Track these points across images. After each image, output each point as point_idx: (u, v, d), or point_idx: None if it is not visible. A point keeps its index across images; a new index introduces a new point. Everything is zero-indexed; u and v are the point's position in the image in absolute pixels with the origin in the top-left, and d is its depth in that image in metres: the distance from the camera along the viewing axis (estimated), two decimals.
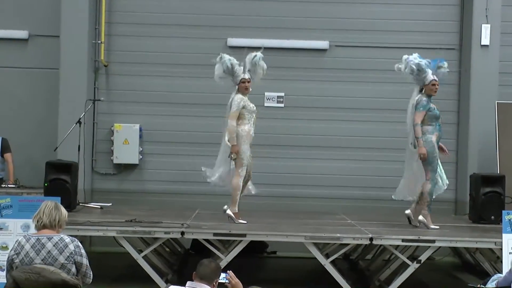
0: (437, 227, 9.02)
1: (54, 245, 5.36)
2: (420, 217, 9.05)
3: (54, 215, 5.46)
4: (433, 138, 8.97)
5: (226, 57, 9.07)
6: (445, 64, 9.17)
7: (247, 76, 9.06)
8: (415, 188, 9.07)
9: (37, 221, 5.48)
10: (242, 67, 9.05)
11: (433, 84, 9.00)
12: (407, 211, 9.20)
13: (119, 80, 11.96)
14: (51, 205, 5.52)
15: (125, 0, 11.99)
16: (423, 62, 9.00)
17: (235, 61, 9.06)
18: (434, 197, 9.07)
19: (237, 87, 9.08)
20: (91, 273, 5.57)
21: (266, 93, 11.88)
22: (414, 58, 9.04)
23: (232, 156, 8.93)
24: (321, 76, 11.98)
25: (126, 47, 11.94)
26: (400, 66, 9.14)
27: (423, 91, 9.06)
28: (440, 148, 9.17)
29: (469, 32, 11.69)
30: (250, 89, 9.11)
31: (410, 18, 12.00)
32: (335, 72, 11.98)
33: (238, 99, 8.99)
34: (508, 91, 11.71)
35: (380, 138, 11.75)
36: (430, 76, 8.98)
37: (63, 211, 5.57)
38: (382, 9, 12.01)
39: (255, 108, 9.13)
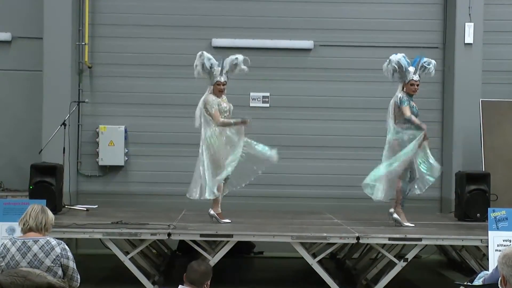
0: (412, 225, 9.06)
1: (40, 248, 5.32)
2: (395, 215, 9.09)
3: (40, 218, 5.43)
4: (405, 137, 9.04)
5: (206, 56, 9.05)
6: (430, 64, 9.17)
7: (223, 79, 9.03)
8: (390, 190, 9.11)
9: (23, 224, 5.44)
10: (220, 68, 9.03)
11: (412, 84, 9.07)
12: (395, 215, 9.18)
13: (103, 81, 11.91)
14: (37, 209, 5.49)
15: (109, 1, 11.94)
16: (404, 61, 9.06)
17: (214, 61, 9.04)
18: (407, 194, 9.13)
19: (211, 87, 9.07)
20: (79, 276, 5.54)
21: (251, 93, 11.90)
22: (397, 56, 9.11)
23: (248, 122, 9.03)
24: (306, 76, 12.00)
25: (110, 49, 11.90)
26: (384, 65, 9.21)
27: (404, 89, 9.13)
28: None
29: (452, 31, 11.76)
30: (224, 92, 9.10)
31: (394, 17, 12.05)
32: (320, 71, 12.00)
33: (212, 99, 8.97)
34: (492, 89, 11.79)
35: (366, 137, 11.78)
36: (411, 75, 9.04)
37: (50, 214, 5.54)
38: (366, 8, 12.05)
39: (227, 108, 9.08)
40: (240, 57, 9.14)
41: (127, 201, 11.62)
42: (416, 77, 9.06)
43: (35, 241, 5.34)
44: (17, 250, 5.32)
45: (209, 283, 5.10)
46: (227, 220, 9.04)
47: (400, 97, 9.06)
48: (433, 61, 9.22)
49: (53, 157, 10.18)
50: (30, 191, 9.37)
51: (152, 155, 11.83)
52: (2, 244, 5.46)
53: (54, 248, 5.35)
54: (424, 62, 9.12)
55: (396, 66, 9.07)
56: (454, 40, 11.69)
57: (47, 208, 5.57)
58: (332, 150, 11.92)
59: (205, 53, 9.10)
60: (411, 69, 9.06)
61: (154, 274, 9.02)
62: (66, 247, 5.44)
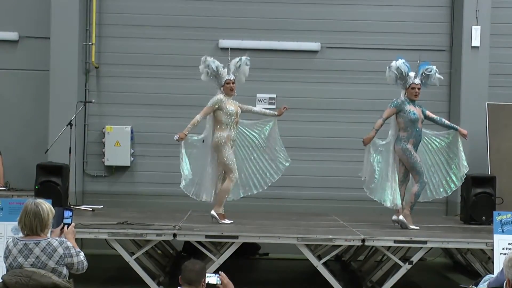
0: (417, 227, 9.04)
1: (42, 251, 5.25)
2: (401, 217, 9.07)
3: (34, 224, 5.26)
4: (409, 145, 9.06)
5: (210, 59, 9.07)
6: (432, 71, 9.16)
7: (232, 77, 9.05)
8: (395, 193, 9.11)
9: (21, 228, 5.38)
10: (226, 69, 9.05)
11: (412, 88, 9.07)
12: (400, 217, 9.15)
13: (110, 82, 11.93)
14: (30, 213, 5.29)
15: (116, 2, 11.96)
16: (404, 67, 9.04)
17: (219, 63, 9.07)
18: (419, 199, 9.13)
19: (222, 89, 9.08)
20: (84, 265, 5.37)
21: (258, 95, 11.89)
22: (396, 63, 9.11)
23: (175, 137, 9.07)
24: (313, 78, 12.00)
25: (117, 49, 11.92)
26: (386, 72, 9.24)
27: (406, 95, 9.14)
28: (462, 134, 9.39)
29: (459, 34, 11.74)
30: (235, 91, 9.11)
31: (401, 19, 12.04)
32: (327, 73, 12.00)
33: (216, 98, 9.01)
34: (498, 92, 11.77)
35: None
36: (412, 79, 9.04)
37: (44, 214, 5.29)
38: (373, 10, 12.04)
39: (235, 111, 9.07)
40: (243, 58, 9.16)
41: (132, 202, 11.64)
42: (417, 81, 9.05)
43: (36, 243, 5.27)
44: (19, 252, 5.27)
45: (205, 280, 5.11)
46: (227, 222, 9.04)
47: (393, 100, 9.08)
48: (434, 67, 9.18)
49: (59, 157, 10.21)
50: (36, 191, 9.40)
51: (158, 156, 11.83)
52: (5, 244, 5.44)
53: (56, 250, 5.30)
54: (426, 70, 9.11)
55: (396, 72, 9.08)
56: (461, 43, 11.67)
57: (41, 206, 5.30)
58: (338, 152, 11.90)
59: (207, 57, 9.11)
60: (412, 74, 9.07)
61: (159, 274, 9.03)
62: (69, 244, 5.35)
